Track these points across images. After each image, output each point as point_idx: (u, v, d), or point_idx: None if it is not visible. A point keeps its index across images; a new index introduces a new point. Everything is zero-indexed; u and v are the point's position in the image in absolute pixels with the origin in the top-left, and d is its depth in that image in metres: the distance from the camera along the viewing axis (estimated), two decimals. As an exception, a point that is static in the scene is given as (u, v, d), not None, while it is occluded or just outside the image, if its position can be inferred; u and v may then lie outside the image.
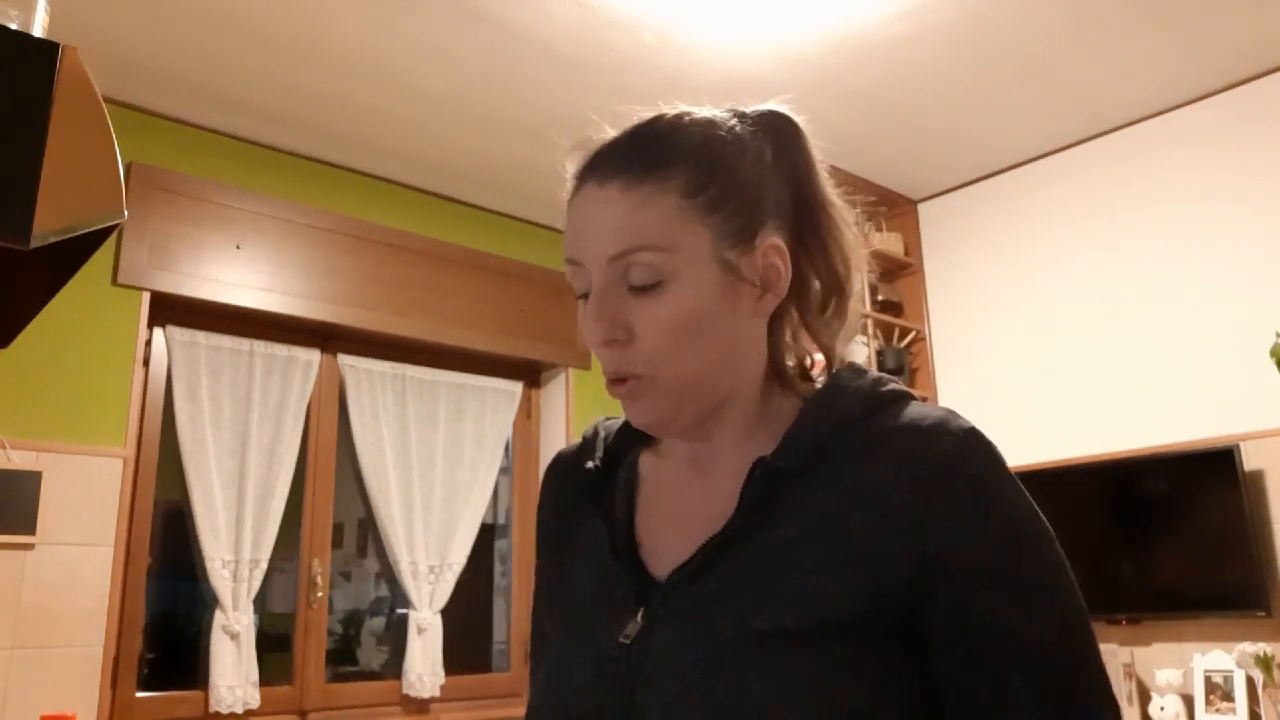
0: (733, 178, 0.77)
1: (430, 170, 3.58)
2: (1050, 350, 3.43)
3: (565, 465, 0.94)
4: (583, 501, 0.87)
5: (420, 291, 3.60)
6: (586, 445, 0.91)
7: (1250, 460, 2.87)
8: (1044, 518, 0.74)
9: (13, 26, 1.04)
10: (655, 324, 0.74)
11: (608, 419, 0.94)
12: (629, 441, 0.90)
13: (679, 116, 0.79)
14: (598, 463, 0.87)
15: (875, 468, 0.74)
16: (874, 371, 0.82)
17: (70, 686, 2.65)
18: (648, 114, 0.80)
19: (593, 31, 2.75)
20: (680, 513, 0.81)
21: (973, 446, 0.73)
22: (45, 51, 1.02)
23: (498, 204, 3.86)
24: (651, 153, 0.76)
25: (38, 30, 1.07)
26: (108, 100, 3.09)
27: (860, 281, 0.85)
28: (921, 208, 3.93)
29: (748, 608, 0.71)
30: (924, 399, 3.94)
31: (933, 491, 0.71)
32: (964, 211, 3.79)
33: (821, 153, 0.83)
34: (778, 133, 0.81)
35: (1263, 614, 2.74)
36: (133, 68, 2.89)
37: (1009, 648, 0.69)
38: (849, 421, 0.77)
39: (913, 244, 3.91)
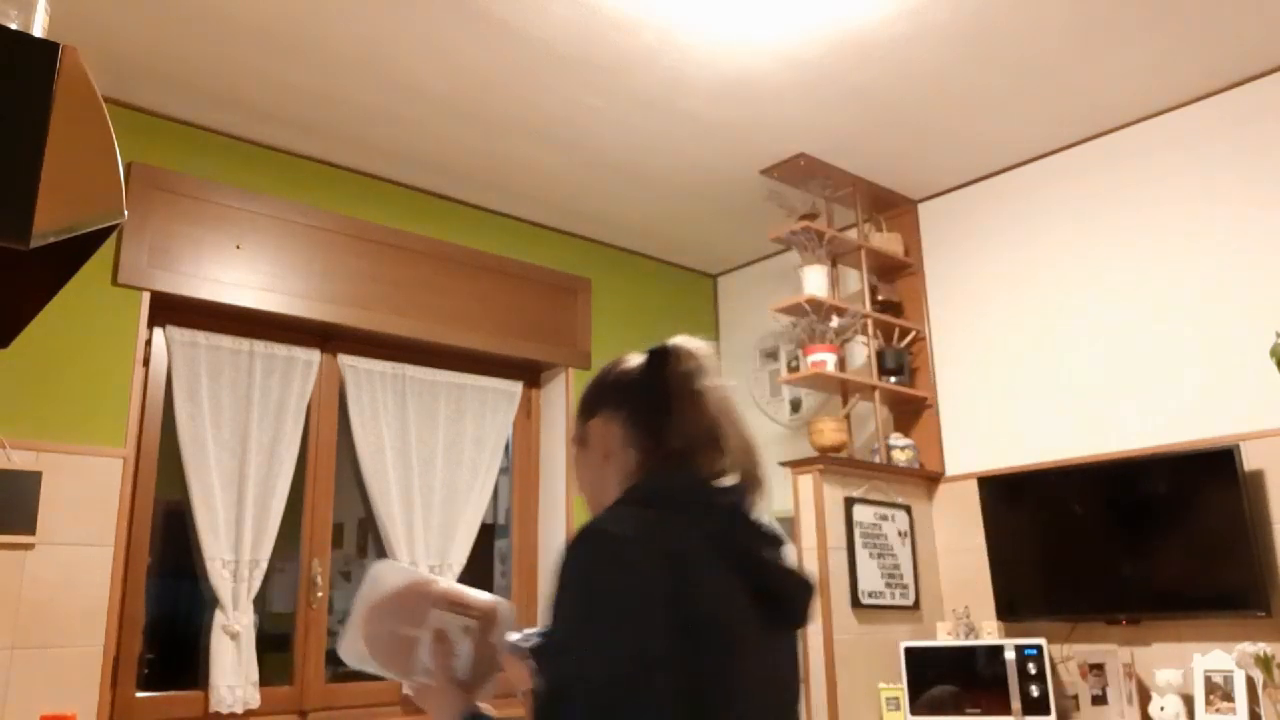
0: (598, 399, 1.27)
1: (430, 170, 3.58)
2: (1050, 350, 3.43)
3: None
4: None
5: (420, 291, 3.60)
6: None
7: (1250, 460, 2.87)
8: (593, 581, 1.01)
9: (13, 26, 1.04)
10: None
11: None
12: None
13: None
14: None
15: None
16: (638, 487, 1.14)
17: (70, 686, 2.65)
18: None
19: (593, 31, 2.75)
20: None
21: (575, 534, 1.06)
22: (45, 51, 1.02)
23: (498, 204, 3.87)
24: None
25: (38, 30, 1.07)
26: (108, 100, 3.10)
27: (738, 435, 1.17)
28: (921, 208, 3.93)
29: None
30: (924, 399, 3.90)
31: None
32: (964, 211, 3.79)
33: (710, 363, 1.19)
34: (658, 358, 1.20)
35: (1263, 614, 2.74)
36: (133, 68, 2.89)
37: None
38: None
39: (913, 244, 3.91)
